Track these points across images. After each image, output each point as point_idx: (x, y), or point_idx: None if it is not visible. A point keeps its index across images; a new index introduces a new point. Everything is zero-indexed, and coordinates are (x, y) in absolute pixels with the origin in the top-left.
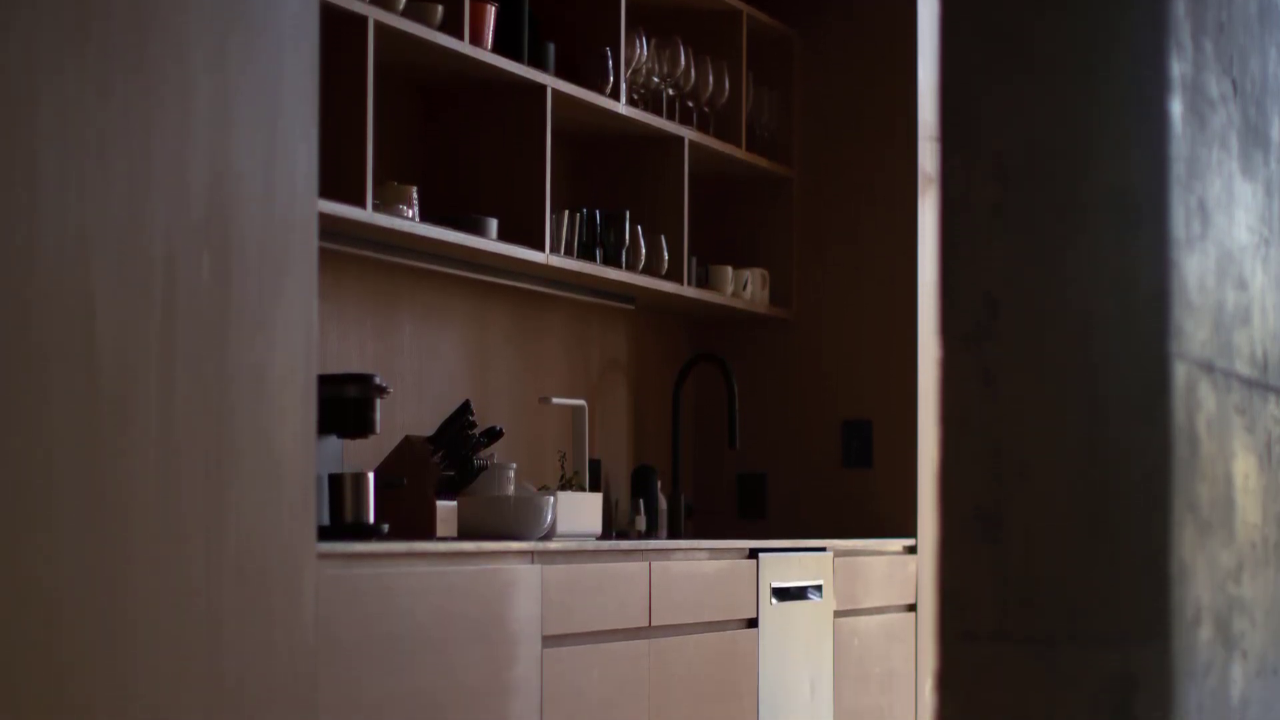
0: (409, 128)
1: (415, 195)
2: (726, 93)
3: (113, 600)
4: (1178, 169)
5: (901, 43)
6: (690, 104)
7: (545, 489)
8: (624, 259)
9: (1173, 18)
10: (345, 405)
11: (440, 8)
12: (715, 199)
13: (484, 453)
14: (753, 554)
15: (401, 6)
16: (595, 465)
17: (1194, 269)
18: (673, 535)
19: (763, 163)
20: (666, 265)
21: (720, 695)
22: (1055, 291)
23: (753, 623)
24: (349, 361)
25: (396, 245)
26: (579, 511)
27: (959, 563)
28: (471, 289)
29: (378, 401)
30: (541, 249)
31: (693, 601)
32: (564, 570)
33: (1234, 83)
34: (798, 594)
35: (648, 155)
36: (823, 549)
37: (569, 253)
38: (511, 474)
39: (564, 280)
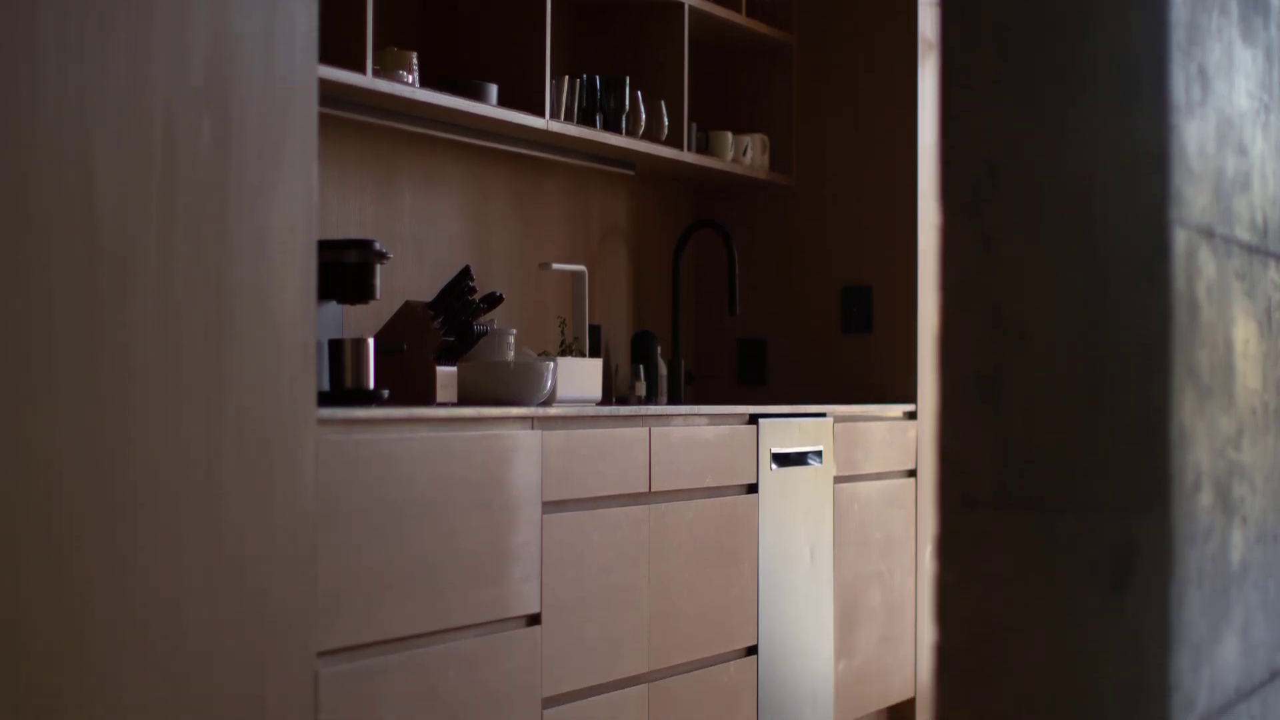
0: None
1: (415, 61)
2: None
3: (112, 467)
4: (1177, 34)
5: None
6: None
7: (545, 354)
8: (624, 124)
9: None
10: (345, 271)
11: None
12: (715, 65)
13: (484, 318)
14: (753, 420)
15: None
16: (595, 331)
17: (1194, 135)
18: (673, 401)
19: (762, 28)
20: (666, 131)
21: (720, 560)
22: (1055, 157)
23: (753, 488)
24: (349, 227)
25: (396, 111)
26: (579, 377)
27: (959, 428)
28: (471, 154)
29: (378, 267)
30: (541, 114)
31: (693, 467)
32: (564, 436)
33: None
34: (798, 460)
35: (648, 21)
36: (823, 414)
37: (569, 118)
38: (511, 339)
39: (564, 146)
